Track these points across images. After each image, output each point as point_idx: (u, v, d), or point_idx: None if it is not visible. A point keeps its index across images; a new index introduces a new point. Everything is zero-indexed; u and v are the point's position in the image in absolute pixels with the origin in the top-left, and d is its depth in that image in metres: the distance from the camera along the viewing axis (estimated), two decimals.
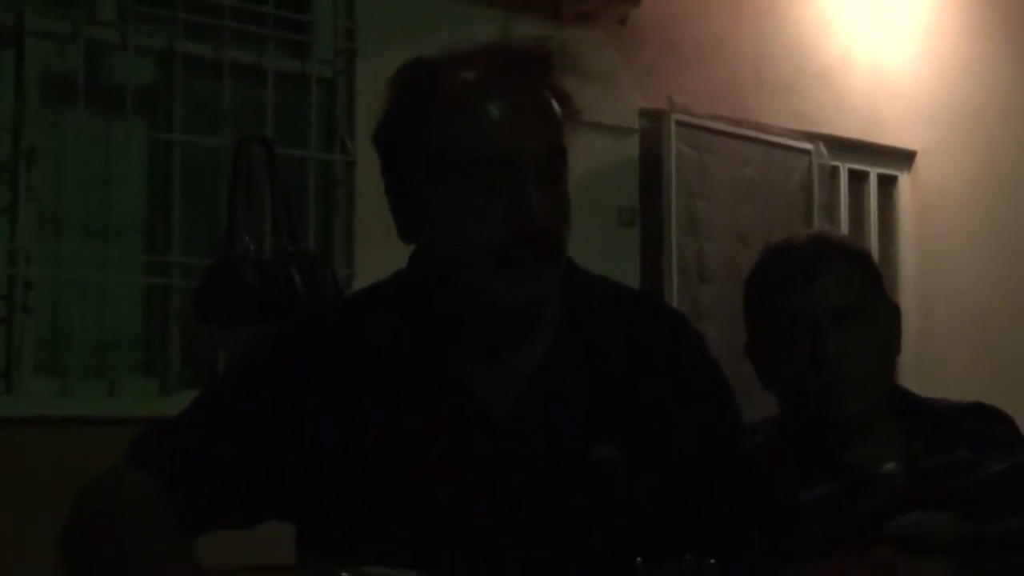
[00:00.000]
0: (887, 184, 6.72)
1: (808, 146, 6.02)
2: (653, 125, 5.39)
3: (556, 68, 1.59)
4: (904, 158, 6.70)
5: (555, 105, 1.55)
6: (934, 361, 5.98)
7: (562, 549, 1.50)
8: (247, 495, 1.54)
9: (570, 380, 1.55)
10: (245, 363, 1.66)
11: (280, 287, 3.70)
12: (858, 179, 6.60)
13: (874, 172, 6.63)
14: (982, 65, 6.85)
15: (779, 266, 1.89)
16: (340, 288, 3.95)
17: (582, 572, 1.49)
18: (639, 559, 1.27)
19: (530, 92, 1.54)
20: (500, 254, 1.47)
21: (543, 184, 1.50)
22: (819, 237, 1.94)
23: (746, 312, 1.96)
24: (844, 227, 6.22)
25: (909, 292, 6.30)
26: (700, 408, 1.62)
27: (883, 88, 6.47)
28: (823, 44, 6.23)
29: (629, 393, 1.57)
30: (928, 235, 6.58)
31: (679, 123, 5.41)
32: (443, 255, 1.53)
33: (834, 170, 6.36)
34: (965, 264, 6.61)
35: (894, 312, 1.93)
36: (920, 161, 6.71)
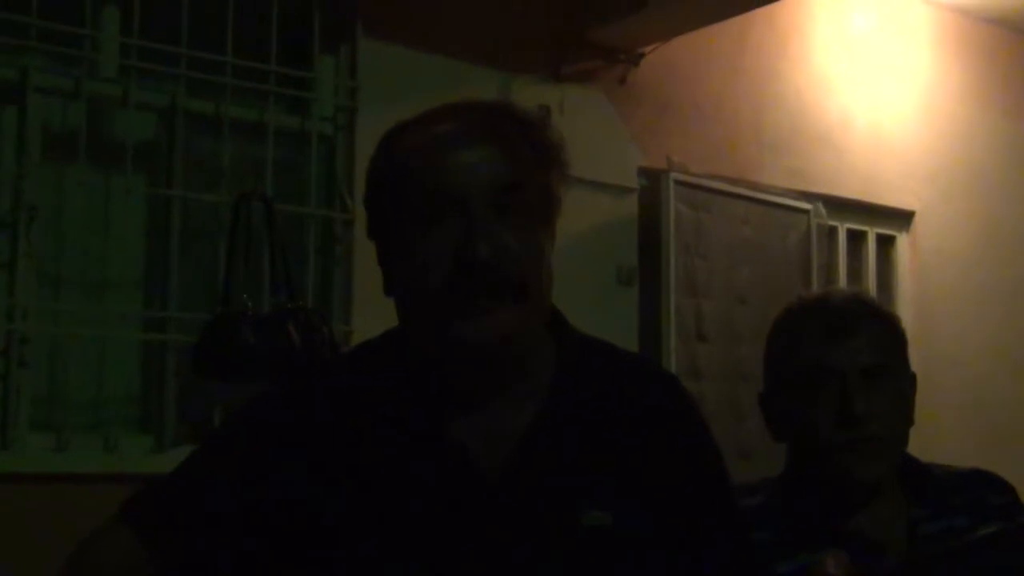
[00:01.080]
0: (886, 244, 6.73)
1: (807, 206, 6.03)
2: (652, 184, 5.41)
3: (521, 120, 1.57)
4: (903, 218, 6.71)
5: (520, 147, 1.54)
6: (932, 423, 5.95)
7: None
8: (237, 557, 1.53)
9: (561, 442, 1.54)
10: (237, 424, 1.65)
11: (278, 344, 3.70)
12: (857, 239, 6.61)
13: (873, 232, 6.64)
14: (980, 127, 6.89)
15: (814, 320, 1.88)
16: (338, 346, 3.94)
17: None
18: None
19: (481, 133, 1.52)
20: (450, 291, 1.47)
21: (495, 219, 1.48)
22: (856, 296, 1.94)
23: (769, 361, 1.95)
24: (842, 287, 6.21)
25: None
26: (690, 477, 1.60)
27: (882, 148, 6.50)
28: (822, 104, 6.26)
29: (620, 459, 1.56)
30: (926, 295, 6.58)
31: (678, 182, 5.43)
32: (409, 302, 1.54)
33: (833, 230, 6.38)
34: (963, 325, 6.60)
35: (912, 379, 1.93)
36: (919, 221, 6.72)
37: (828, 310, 1.88)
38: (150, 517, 1.54)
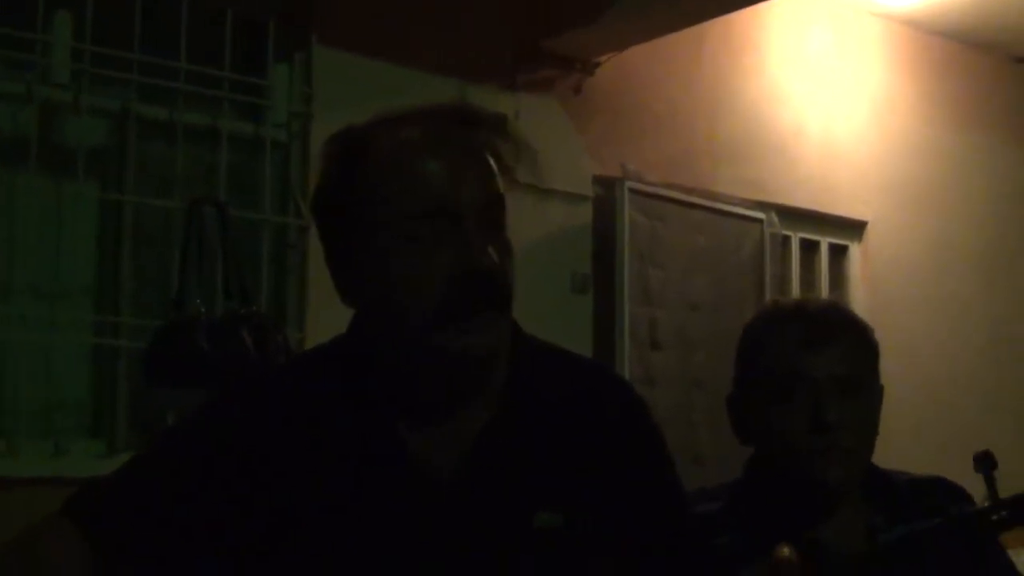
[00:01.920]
0: (838, 254, 6.78)
1: (760, 215, 6.06)
2: (606, 192, 5.42)
3: (485, 127, 1.57)
4: (855, 228, 6.76)
5: (488, 157, 1.54)
6: (887, 428, 5.97)
7: None
8: (178, 556, 1.52)
9: (513, 446, 1.54)
10: (184, 425, 1.65)
11: (231, 350, 3.67)
12: (809, 248, 6.65)
13: (825, 242, 6.69)
14: (932, 139, 6.95)
15: (791, 327, 1.88)
16: (292, 352, 3.93)
17: None
18: None
19: (461, 144, 1.52)
20: (447, 305, 1.46)
21: (486, 231, 1.49)
22: (833, 306, 1.95)
23: (741, 364, 1.95)
24: (795, 296, 6.25)
25: None
26: (642, 478, 1.62)
27: (835, 159, 6.54)
28: (776, 115, 6.29)
29: (572, 461, 1.56)
30: (878, 304, 6.63)
31: (632, 191, 5.44)
32: (389, 314, 1.52)
33: (786, 239, 6.41)
34: (915, 334, 6.66)
35: (881, 391, 1.94)
36: (871, 231, 6.77)
37: (806, 318, 1.89)
38: (93, 513, 1.53)
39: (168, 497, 1.52)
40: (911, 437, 6.13)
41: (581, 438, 1.58)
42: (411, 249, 1.48)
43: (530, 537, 1.50)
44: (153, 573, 1.53)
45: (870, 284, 6.77)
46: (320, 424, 1.55)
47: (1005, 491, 1.52)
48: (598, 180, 5.43)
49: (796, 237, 6.52)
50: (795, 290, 6.40)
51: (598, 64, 5.44)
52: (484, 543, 1.50)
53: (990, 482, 1.36)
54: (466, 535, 1.50)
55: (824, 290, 6.62)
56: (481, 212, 1.49)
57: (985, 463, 1.36)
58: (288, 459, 1.53)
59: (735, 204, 5.95)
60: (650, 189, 5.54)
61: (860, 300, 6.66)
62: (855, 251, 6.80)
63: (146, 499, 1.53)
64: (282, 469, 1.52)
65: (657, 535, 1.61)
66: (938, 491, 1.92)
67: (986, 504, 1.52)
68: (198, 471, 1.53)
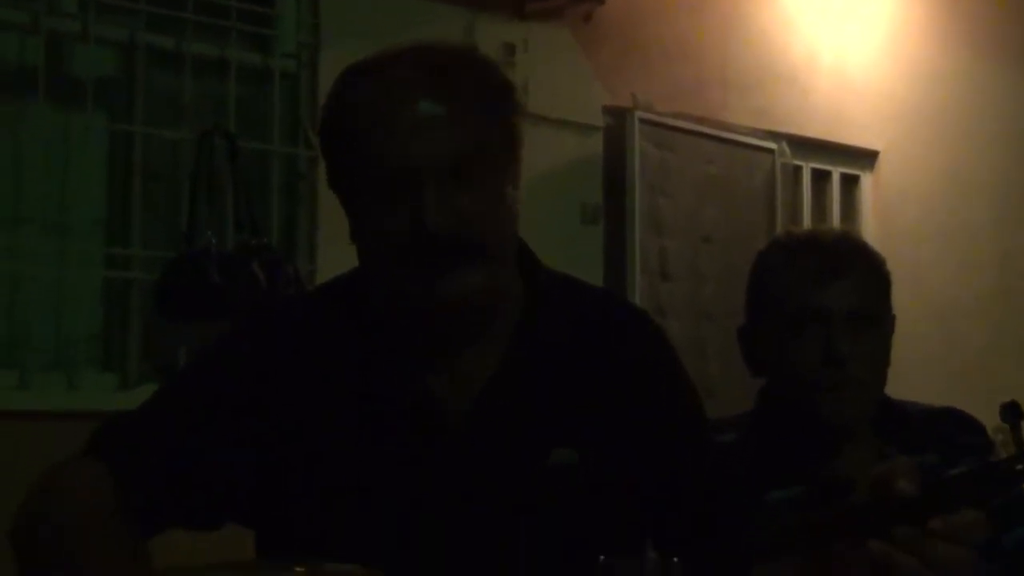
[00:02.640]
0: (850, 184, 6.75)
1: (772, 145, 6.03)
2: (617, 123, 5.39)
3: (483, 65, 1.56)
4: (867, 158, 6.73)
5: (480, 102, 1.51)
6: (897, 360, 5.98)
7: (517, 551, 1.49)
8: (205, 493, 1.53)
9: (529, 381, 1.54)
10: (205, 359, 1.65)
11: (242, 282, 3.68)
12: (821, 178, 6.62)
13: (837, 172, 6.66)
14: (945, 67, 6.89)
15: (804, 259, 1.87)
16: (303, 284, 3.93)
17: (537, 573, 1.48)
18: (602, 556, 1.27)
19: (434, 95, 1.50)
20: (404, 259, 1.47)
21: (453, 185, 1.47)
22: (846, 236, 1.94)
23: (753, 296, 1.94)
24: (807, 226, 6.23)
25: None
26: (664, 407, 1.61)
27: (847, 88, 6.50)
28: (788, 44, 6.24)
29: (589, 394, 1.56)
30: (890, 234, 6.61)
31: (643, 121, 5.41)
32: (365, 260, 1.55)
33: (797, 169, 6.38)
34: (927, 263, 6.64)
35: (892, 320, 1.93)
36: (883, 161, 6.74)
37: (819, 250, 1.88)
38: (119, 448, 1.53)
39: (191, 434, 1.52)
40: (921, 368, 6.13)
41: (597, 370, 1.58)
42: (375, 204, 1.49)
43: (546, 474, 1.50)
44: (180, 514, 1.54)
45: (881, 214, 6.74)
46: (337, 358, 1.55)
47: None
48: (608, 110, 5.39)
49: (807, 167, 6.49)
50: (806, 221, 6.38)
51: None
52: (498, 480, 1.50)
53: (1016, 432, 1.35)
54: (481, 472, 1.51)
55: (835, 220, 6.59)
56: (449, 168, 1.47)
57: (1012, 413, 1.36)
58: (304, 394, 1.54)
59: (746, 134, 5.92)
60: (660, 119, 5.51)
61: (871, 231, 6.63)
62: (867, 181, 6.77)
63: (170, 437, 1.53)
64: (298, 403, 1.53)
65: (681, 463, 1.61)
66: (950, 421, 1.92)
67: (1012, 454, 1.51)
68: (218, 404, 1.54)
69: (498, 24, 4.91)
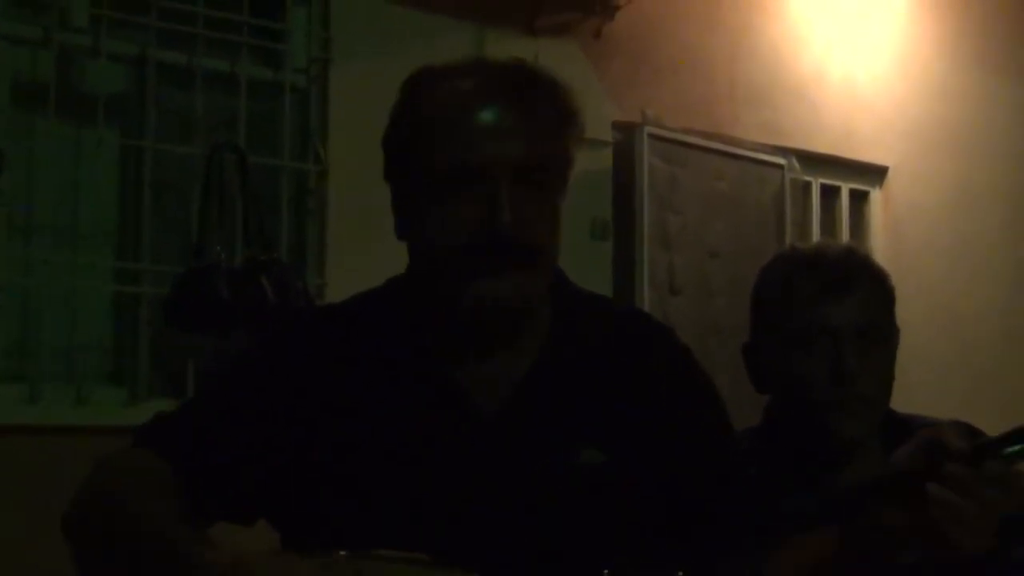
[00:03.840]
0: (859, 199, 6.74)
1: (781, 161, 6.03)
2: (626, 138, 5.39)
3: (550, 84, 1.63)
4: (876, 174, 6.72)
5: (550, 118, 1.60)
6: (907, 375, 5.95)
7: (542, 549, 1.53)
8: (250, 488, 1.58)
9: (558, 384, 1.60)
10: (245, 360, 1.70)
11: (251, 297, 3.68)
12: (830, 194, 6.61)
13: (846, 187, 6.65)
14: (955, 83, 6.89)
15: (809, 275, 1.87)
16: (312, 298, 3.93)
17: (559, 572, 1.51)
18: (605, 571, 1.29)
19: (512, 103, 1.58)
20: (471, 255, 1.53)
21: (520, 191, 1.54)
22: (850, 252, 1.93)
23: (758, 313, 1.94)
24: (816, 242, 6.22)
25: None
26: (690, 416, 1.66)
27: (856, 104, 6.49)
28: (797, 59, 6.24)
29: (616, 400, 1.62)
30: (900, 251, 6.60)
31: (652, 136, 5.42)
32: (425, 256, 1.60)
33: (806, 185, 6.38)
34: (937, 279, 6.63)
35: (897, 334, 1.93)
36: (892, 177, 6.73)
37: (824, 266, 1.87)
38: (169, 438, 1.58)
39: (239, 424, 1.58)
40: (935, 384, 6.12)
41: (625, 378, 1.64)
42: (446, 200, 1.55)
43: (574, 474, 1.56)
44: (226, 507, 1.59)
45: (891, 230, 6.73)
46: (376, 359, 1.61)
47: None
48: (618, 126, 5.40)
49: (817, 183, 6.48)
50: (816, 236, 6.37)
51: (618, 7, 5.40)
52: (527, 477, 1.55)
53: None
54: (510, 469, 1.56)
55: (844, 236, 6.58)
56: (518, 171, 1.54)
57: None
58: (343, 393, 1.59)
59: (755, 149, 5.92)
60: (670, 134, 5.52)
61: (881, 246, 6.63)
62: (876, 197, 6.76)
63: (218, 433, 1.58)
64: (338, 403, 1.59)
65: (704, 471, 1.65)
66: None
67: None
68: (264, 406, 1.59)
69: (508, 39, 4.92)
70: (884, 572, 1.44)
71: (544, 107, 1.60)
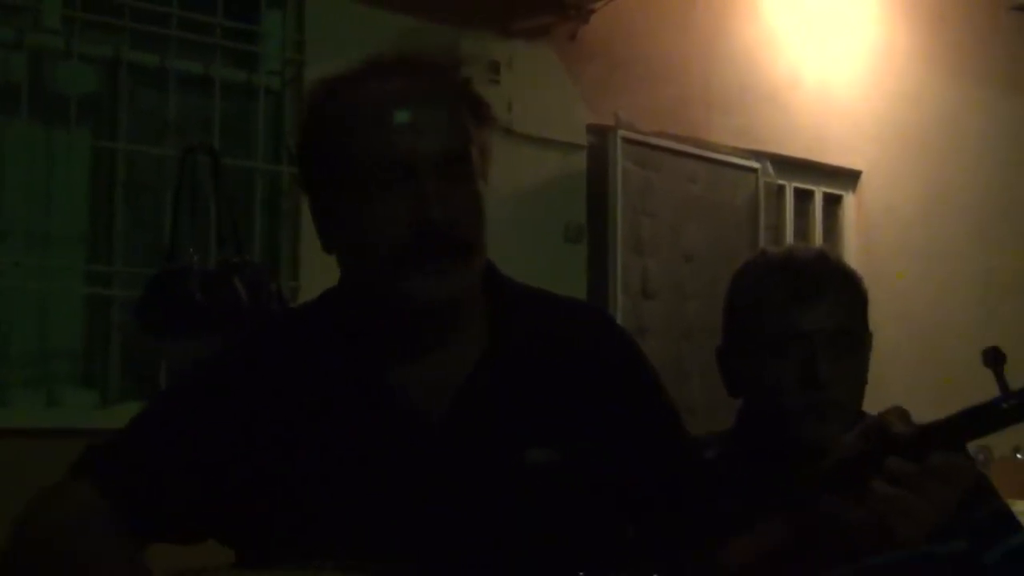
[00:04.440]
0: (832, 203, 6.77)
1: (755, 164, 6.04)
2: (600, 141, 5.40)
3: (464, 75, 1.62)
4: (850, 178, 6.75)
5: (461, 109, 1.58)
6: (879, 379, 5.97)
7: (495, 552, 1.51)
8: (193, 508, 1.55)
9: (502, 386, 1.58)
10: (188, 380, 1.67)
11: (224, 299, 3.67)
12: (804, 198, 6.64)
13: (820, 191, 6.67)
14: (928, 88, 6.92)
15: (780, 280, 1.86)
16: (286, 301, 3.92)
17: (519, 571, 1.50)
18: (580, 573, 1.28)
19: (427, 97, 1.56)
20: (405, 253, 1.50)
21: (445, 185, 1.52)
22: (823, 256, 1.92)
23: (730, 318, 1.94)
24: (789, 245, 6.23)
25: None
26: (635, 403, 1.64)
27: (830, 108, 6.52)
28: (771, 63, 6.26)
29: (563, 395, 1.59)
30: (873, 254, 6.63)
31: (626, 140, 5.42)
32: (356, 261, 1.58)
33: (780, 189, 6.40)
34: (909, 283, 6.66)
35: (869, 338, 1.93)
36: (865, 181, 6.76)
37: (796, 270, 1.86)
38: (109, 468, 1.54)
39: (181, 447, 1.55)
40: (904, 386, 6.14)
41: (570, 372, 1.61)
42: (371, 200, 1.52)
43: (521, 475, 1.53)
44: (168, 529, 1.55)
45: (864, 234, 6.76)
46: (315, 373, 1.58)
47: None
48: (592, 129, 5.40)
49: (790, 186, 6.51)
50: (789, 240, 6.39)
51: (593, 11, 5.40)
52: (476, 480, 1.53)
53: (999, 376, 1.37)
54: (459, 473, 1.53)
55: (818, 240, 6.61)
56: (440, 165, 1.52)
57: (994, 358, 1.38)
58: (285, 410, 1.56)
59: (729, 153, 5.94)
60: (644, 138, 5.52)
61: (854, 250, 6.66)
62: (850, 200, 6.79)
63: (156, 453, 1.55)
64: (281, 420, 1.56)
65: (656, 464, 1.63)
66: None
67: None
68: (206, 422, 1.56)
69: (483, 42, 4.92)
70: (838, 562, 1.44)
71: (454, 98, 1.58)
